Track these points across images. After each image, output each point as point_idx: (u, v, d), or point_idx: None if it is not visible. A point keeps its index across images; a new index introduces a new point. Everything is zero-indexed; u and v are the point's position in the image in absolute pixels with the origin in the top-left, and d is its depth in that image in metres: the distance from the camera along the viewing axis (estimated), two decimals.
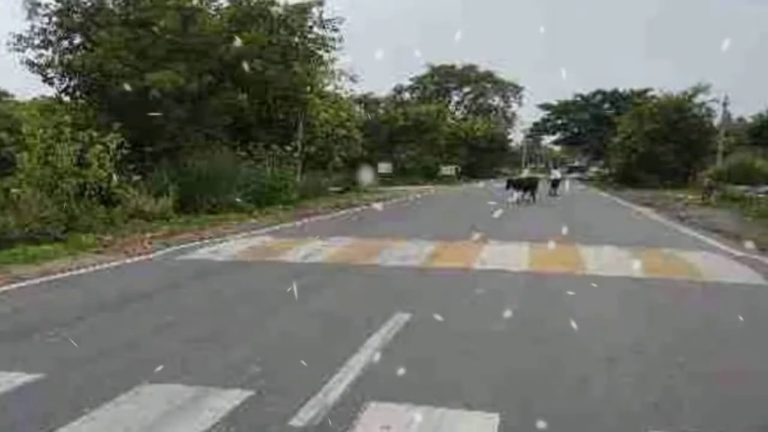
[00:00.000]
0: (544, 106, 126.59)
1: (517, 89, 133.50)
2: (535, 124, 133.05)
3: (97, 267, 15.48)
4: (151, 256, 17.29)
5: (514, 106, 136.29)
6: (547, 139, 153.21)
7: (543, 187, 48.01)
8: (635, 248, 18.88)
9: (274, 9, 35.12)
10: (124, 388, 7.08)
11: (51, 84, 32.84)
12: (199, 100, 31.76)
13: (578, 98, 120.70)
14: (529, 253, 17.73)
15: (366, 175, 54.57)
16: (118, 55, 29.80)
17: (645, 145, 71.18)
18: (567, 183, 58.82)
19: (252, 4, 34.74)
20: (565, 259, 16.73)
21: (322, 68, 44.93)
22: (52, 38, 32.17)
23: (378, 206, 36.65)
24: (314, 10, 36.48)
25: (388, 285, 13.72)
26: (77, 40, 32.65)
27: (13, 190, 21.36)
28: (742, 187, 45.07)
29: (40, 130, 23.31)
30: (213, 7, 35.25)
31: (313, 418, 6.45)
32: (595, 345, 9.09)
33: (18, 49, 31.86)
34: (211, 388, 7.10)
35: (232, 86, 33.79)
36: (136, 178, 26.35)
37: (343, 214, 32.80)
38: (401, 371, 7.71)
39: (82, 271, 14.96)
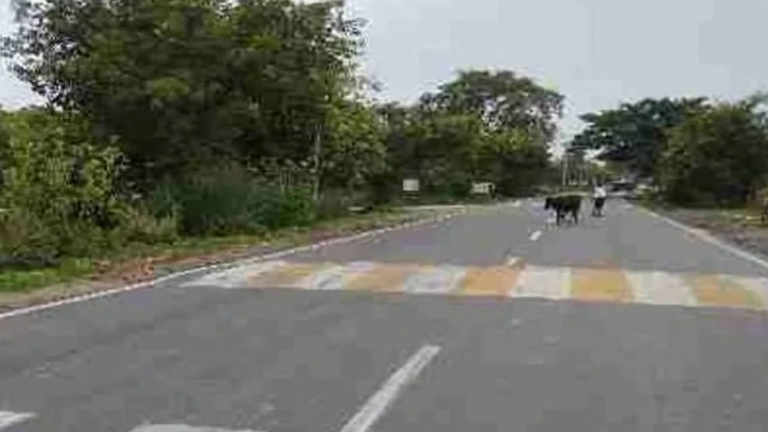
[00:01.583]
0: (587, 117, 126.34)
1: (557, 98, 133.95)
2: (577, 137, 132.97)
3: (93, 295, 15.54)
4: (152, 282, 17.36)
5: (554, 117, 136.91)
6: (591, 154, 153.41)
7: (585, 207, 47.91)
8: (688, 274, 18.84)
9: (288, 10, 35.09)
10: (122, 428, 7.09)
11: (42, 92, 32.90)
12: (206, 111, 31.79)
13: (625, 108, 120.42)
14: (570, 280, 17.74)
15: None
16: (116, 60, 29.84)
17: (698, 160, 70.99)
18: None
19: (264, 4, 34.64)
20: (610, 287, 16.73)
21: (342, 75, 44.70)
22: (43, 42, 32.22)
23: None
24: (333, 10, 36.28)
25: (415, 315, 13.74)
26: (71, 44, 32.70)
27: (0, 210, 21.40)
28: None
29: (30, 144, 23.18)
30: (221, 8, 35.23)
31: None
32: (644, 381, 9.06)
33: (5, 54, 31.96)
34: (218, 429, 7.10)
35: (242, 95, 33.76)
36: (136, 196, 26.35)
37: (364, 237, 32.90)
38: (429, 410, 7.71)
39: (77, 299, 15.02)
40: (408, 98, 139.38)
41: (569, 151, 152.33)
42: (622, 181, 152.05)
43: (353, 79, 50.63)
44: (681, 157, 74.20)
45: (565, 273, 18.87)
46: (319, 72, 36.86)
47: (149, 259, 20.92)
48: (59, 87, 32.57)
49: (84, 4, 32.39)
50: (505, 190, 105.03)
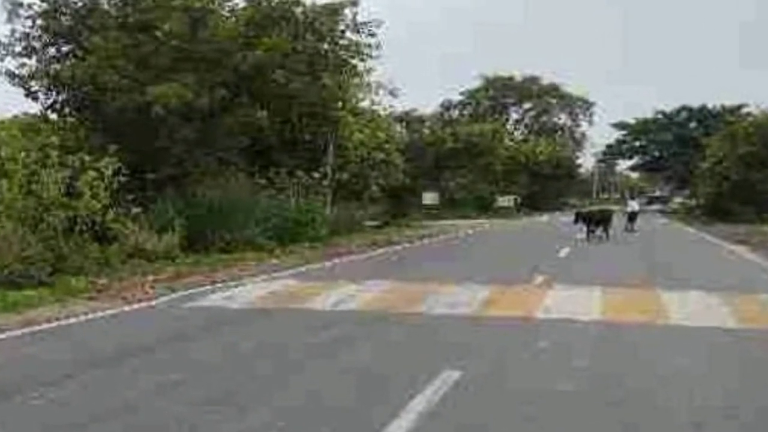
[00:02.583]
0: (620, 126, 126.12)
1: (587, 105, 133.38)
2: (609, 146, 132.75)
3: (90, 316, 15.57)
4: (153, 302, 17.38)
5: (584, 126, 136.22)
6: (623, 165, 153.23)
7: (618, 222, 47.83)
8: (727, 294, 18.76)
9: (299, 10, 34.95)
10: None
11: (35, 99, 32.79)
12: (211, 118, 31.75)
13: (659, 116, 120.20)
14: (601, 300, 17.73)
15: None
16: (115, 64, 29.77)
17: (739, 172, 70.73)
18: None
19: (273, 4, 34.46)
20: (644, 307, 16.71)
21: (356, 80, 44.59)
22: (37, 45, 32.16)
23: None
24: (347, 11, 36.04)
25: (435, 337, 13.72)
26: (66, 47, 32.66)
27: None
28: None
29: (22, 154, 23.15)
30: (227, 8, 35.09)
31: None
32: (680, 408, 9.05)
33: None
34: None
35: (250, 101, 33.66)
36: (135, 210, 26.38)
37: (380, 253, 32.91)
38: None
39: (72, 320, 15.04)
40: (427, 105, 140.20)
41: (600, 161, 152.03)
42: (657, 193, 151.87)
43: (369, 85, 50.70)
44: (720, 168, 73.98)
45: (596, 292, 18.83)
46: (332, 77, 36.74)
47: (150, 278, 20.92)
48: (54, 93, 32.48)
49: (80, 4, 32.30)
50: (532, 204, 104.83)
